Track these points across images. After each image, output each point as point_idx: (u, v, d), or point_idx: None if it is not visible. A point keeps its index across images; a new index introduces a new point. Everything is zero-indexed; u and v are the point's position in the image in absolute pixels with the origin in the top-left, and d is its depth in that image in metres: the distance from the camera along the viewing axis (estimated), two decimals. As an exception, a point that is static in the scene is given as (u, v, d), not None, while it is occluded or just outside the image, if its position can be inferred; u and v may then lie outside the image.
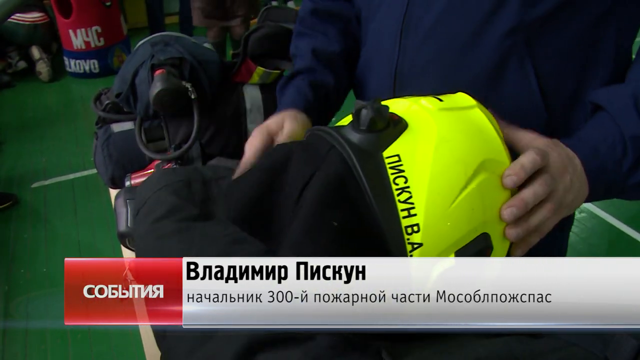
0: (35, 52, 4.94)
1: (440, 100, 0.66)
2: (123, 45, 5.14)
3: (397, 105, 0.67)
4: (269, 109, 1.33)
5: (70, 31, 4.78)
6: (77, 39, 4.82)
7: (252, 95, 1.33)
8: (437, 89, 0.86)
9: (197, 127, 1.20)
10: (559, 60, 0.83)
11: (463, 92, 0.77)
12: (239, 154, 1.26)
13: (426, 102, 0.66)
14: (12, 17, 4.60)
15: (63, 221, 3.13)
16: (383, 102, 0.65)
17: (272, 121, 0.90)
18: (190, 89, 1.20)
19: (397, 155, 0.60)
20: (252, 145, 0.88)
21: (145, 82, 1.21)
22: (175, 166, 1.20)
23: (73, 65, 4.97)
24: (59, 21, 4.87)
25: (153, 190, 0.89)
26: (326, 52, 1.01)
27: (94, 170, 3.46)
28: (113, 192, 1.35)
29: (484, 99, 0.84)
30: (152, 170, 1.24)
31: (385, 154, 0.60)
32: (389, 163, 0.59)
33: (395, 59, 0.91)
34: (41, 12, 4.86)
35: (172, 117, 1.27)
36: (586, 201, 0.75)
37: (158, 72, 1.19)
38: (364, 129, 0.61)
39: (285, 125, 0.89)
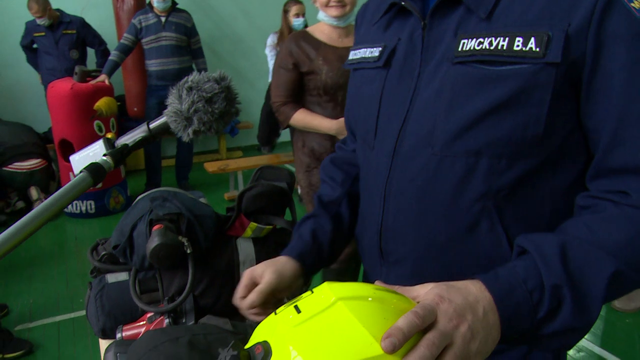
0: (34, 192, 5.08)
1: (299, 311, 0.67)
2: (120, 188, 5.28)
3: (263, 329, 0.70)
4: (263, 261, 1.38)
5: (71, 174, 4.91)
6: None
7: (245, 248, 1.38)
8: (416, 248, 0.96)
9: (191, 281, 1.23)
10: (526, 222, 0.90)
11: (428, 253, 0.87)
12: (231, 306, 1.32)
13: (285, 320, 0.67)
14: (9, 166, 4.82)
15: None
16: (260, 325, 0.70)
17: (259, 268, 1.06)
18: (186, 243, 1.25)
19: None
20: (240, 287, 1.05)
21: (143, 236, 1.26)
22: (168, 320, 1.23)
23: (70, 205, 5.07)
24: (61, 164, 5.04)
25: (143, 351, 0.93)
26: (328, 198, 1.20)
27: (82, 312, 3.47)
28: (103, 343, 1.36)
29: (459, 257, 0.92)
30: (144, 322, 1.26)
31: None
32: None
33: (380, 220, 1.01)
34: (39, 159, 5.05)
35: (167, 269, 1.31)
36: (501, 343, 0.73)
37: (156, 227, 1.24)
38: None
39: (265, 276, 1.05)
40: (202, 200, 1.44)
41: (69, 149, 4.93)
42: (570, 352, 2.98)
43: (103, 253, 1.38)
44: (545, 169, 0.87)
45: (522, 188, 0.88)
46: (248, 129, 7.33)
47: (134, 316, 1.31)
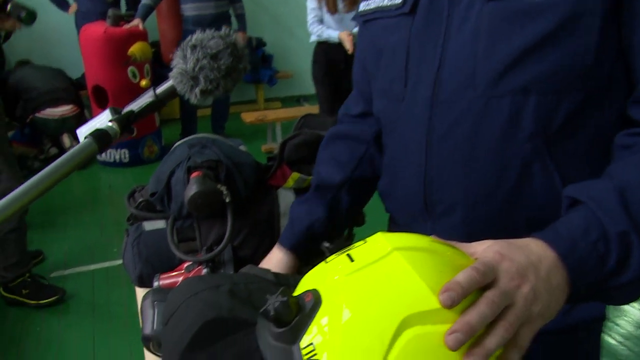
0: (66, 139, 5.19)
1: (352, 259, 0.66)
2: (154, 136, 5.36)
3: (312, 278, 0.69)
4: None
5: (100, 123, 5.03)
6: None
7: (286, 199, 1.39)
8: (466, 195, 0.96)
9: (230, 230, 1.25)
10: (577, 163, 0.90)
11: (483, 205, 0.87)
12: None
13: (336, 269, 0.67)
14: (42, 112, 4.90)
15: (78, 316, 3.15)
16: (309, 273, 0.70)
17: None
18: (225, 192, 1.26)
19: (312, 344, 0.62)
20: None
21: (181, 183, 1.28)
22: (205, 269, 1.25)
23: (103, 154, 5.18)
24: (95, 111, 5.15)
25: (183, 298, 0.95)
26: (328, 181, 1.20)
27: (116, 262, 3.59)
28: (140, 291, 1.40)
29: (512, 201, 0.92)
30: (182, 271, 1.29)
31: (302, 344, 0.63)
32: (306, 354, 0.62)
33: (423, 170, 1.00)
34: (70, 105, 5.12)
35: (205, 218, 1.33)
36: (567, 303, 0.71)
37: (194, 174, 1.26)
38: (275, 326, 0.64)
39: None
40: (242, 148, 1.45)
41: (103, 95, 5.01)
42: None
43: (140, 200, 1.41)
44: (593, 103, 0.87)
45: (571, 125, 0.88)
46: (287, 79, 7.30)
47: (171, 265, 1.34)
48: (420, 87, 0.98)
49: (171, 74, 0.95)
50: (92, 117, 4.98)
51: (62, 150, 5.21)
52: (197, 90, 0.93)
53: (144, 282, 1.37)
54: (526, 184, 0.91)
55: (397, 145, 1.08)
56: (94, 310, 3.19)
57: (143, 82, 4.92)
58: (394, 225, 1.17)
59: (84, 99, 5.44)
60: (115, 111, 0.94)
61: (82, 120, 5.34)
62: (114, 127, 0.92)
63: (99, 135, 0.89)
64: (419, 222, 1.06)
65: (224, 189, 1.27)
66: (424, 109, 0.97)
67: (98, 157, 5.26)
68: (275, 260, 1.20)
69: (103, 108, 4.98)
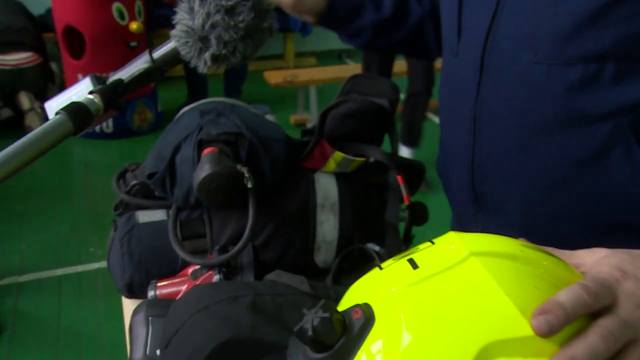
0: (24, 99, 5.23)
1: (415, 266, 0.67)
2: (148, 100, 5.41)
3: (362, 288, 0.71)
4: (347, 207, 1.42)
5: (80, 76, 5.02)
6: None
7: (325, 186, 1.42)
8: (522, 188, 1.00)
9: (252, 225, 1.27)
10: None
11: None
12: (303, 262, 1.36)
13: (394, 278, 0.67)
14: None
15: (38, 342, 3.13)
16: (358, 283, 0.71)
17: None
18: (246, 174, 1.28)
19: None
20: None
21: (189, 162, 1.31)
22: (218, 276, 1.27)
23: (79, 120, 5.28)
24: (66, 62, 5.19)
25: (190, 312, 0.98)
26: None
27: (94, 265, 3.63)
28: (128, 303, 1.44)
29: (584, 198, 0.95)
30: (186, 277, 1.32)
31: None
32: None
33: (471, 148, 1.06)
34: (29, 52, 5.20)
35: (219, 209, 1.37)
36: None
37: (207, 150, 1.27)
38: (313, 350, 0.65)
39: None
40: (270, 117, 1.47)
41: (77, 41, 5.04)
42: None
43: (133, 183, 1.44)
44: None
45: None
46: (325, 26, 7.30)
47: (171, 269, 1.38)
48: (471, 43, 1.02)
49: (173, 32, 0.95)
50: (61, 70, 4.98)
51: (18, 113, 5.26)
52: (206, 55, 0.93)
53: (135, 291, 1.40)
54: (603, 176, 0.93)
55: (450, 116, 1.15)
56: (58, 332, 3.21)
57: (133, 26, 4.98)
58: (455, 221, 1.22)
59: (49, 45, 5.48)
60: (98, 80, 0.94)
61: (45, 73, 5.40)
62: (96, 100, 0.91)
63: (76, 111, 0.88)
64: (470, 216, 1.12)
65: (245, 170, 1.29)
66: (473, 70, 1.02)
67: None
68: None
69: (77, 58, 5.04)
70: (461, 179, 1.11)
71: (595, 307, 0.63)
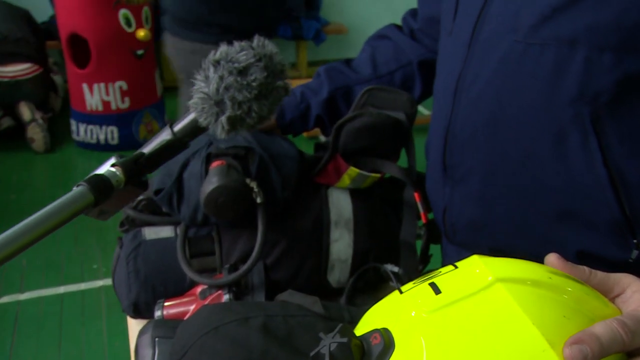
0: (25, 110, 5.21)
1: (437, 291, 0.67)
2: (155, 110, 5.41)
3: (381, 312, 0.71)
4: (362, 224, 1.43)
5: (85, 86, 5.09)
6: (93, 96, 5.11)
7: (339, 202, 1.43)
8: (487, 161, 1.09)
9: (261, 242, 1.29)
10: (632, 145, 0.95)
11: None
12: (317, 282, 1.37)
13: (415, 302, 0.68)
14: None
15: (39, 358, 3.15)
16: (376, 306, 0.72)
17: None
18: (256, 189, 1.30)
19: None
20: None
21: (197, 177, 1.32)
22: (228, 296, 1.29)
23: (82, 132, 5.28)
24: (70, 71, 5.18)
25: (198, 334, 0.99)
26: (352, 70, 1.56)
27: (98, 283, 3.63)
28: (133, 324, 1.44)
29: (539, 176, 1.02)
30: (194, 297, 1.34)
31: None
32: None
33: (448, 119, 1.15)
34: (28, 62, 5.18)
35: (228, 227, 1.38)
36: None
37: (215, 163, 1.29)
38: None
39: None
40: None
41: (82, 49, 5.03)
42: None
43: (140, 198, 1.45)
44: None
45: (629, 95, 0.93)
46: (339, 35, 7.35)
47: (179, 288, 1.39)
48: (464, 22, 1.10)
49: (191, 102, 0.97)
50: (63, 78, 4.93)
51: (18, 123, 5.26)
52: (223, 118, 0.94)
53: (141, 311, 1.41)
54: (558, 159, 0.99)
55: (438, 91, 1.23)
56: (60, 353, 3.21)
57: (141, 33, 4.97)
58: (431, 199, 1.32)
59: (53, 53, 5.48)
60: (120, 155, 0.97)
61: (46, 83, 5.37)
62: (117, 173, 0.93)
63: (96, 183, 0.90)
64: (439, 186, 1.21)
65: (254, 185, 1.30)
66: (462, 48, 1.10)
67: (75, 137, 5.35)
68: None
69: (81, 68, 5.02)
70: (436, 150, 1.20)
71: (630, 347, 0.63)
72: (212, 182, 1.25)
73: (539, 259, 0.75)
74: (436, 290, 0.67)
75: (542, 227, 1.06)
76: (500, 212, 1.11)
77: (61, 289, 3.69)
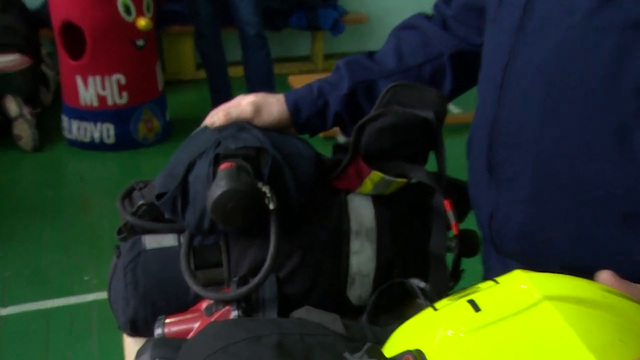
0: (12, 105, 5.22)
1: (477, 308, 0.67)
2: (155, 106, 5.41)
3: (412, 332, 0.71)
4: (386, 234, 1.43)
5: (79, 78, 5.10)
6: (88, 90, 5.12)
7: (361, 210, 1.42)
8: (539, 161, 1.07)
9: (274, 253, 1.28)
10: None
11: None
12: (335, 298, 1.38)
13: (451, 321, 0.67)
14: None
15: None
16: (407, 325, 0.71)
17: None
18: (268, 194, 1.29)
19: None
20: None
21: (204, 180, 1.32)
22: (237, 312, 1.27)
23: (75, 129, 5.29)
24: (63, 63, 5.20)
25: (204, 354, 0.98)
26: (374, 62, 1.56)
27: (90, 296, 3.63)
28: (130, 343, 1.45)
29: (600, 177, 1.01)
30: (199, 312, 1.33)
31: None
32: None
33: (493, 114, 1.14)
34: (16, 53, 5.21)
35: (237, 235, 1.38)
36: None
37: (224, 165, 1.29)
38: None
39: (242, 103, 1.45)
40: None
41: (77, 38, 5.03)
42: None
43: (140, 203, 1.44)
44: None
45: None
46: (359, 25, 7.36)
47: (182, 302, 1.39)
48: (510, 8, 1.10)
49: None
50: (55, 71, 4.95)
51: (5, 118, 5.27)
52: None
53: (139, 328, 1.41)
54: (623, 155, 0.98)
55: (482, 83, 1.24)
56: None
57: (141, 22, 4.97)
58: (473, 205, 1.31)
59: (45, 43, 5.50)
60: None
61: (36, 76, 5.39)
62: None
63: None
64: (484, 188, 1.20)
65: (267, 189, 1.30)
66: (508, 36, 1.10)
67: (66, 134, 5.35)
68: (271, 100, 1.47)
69: (75, 59, 5.03)
70: (480, 148, 1.19)
71: None
72: (220, 186, 1.25)
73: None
74: (475, 307, 0.67)
75: (604, 233, 1.03)
76: (555, 217, 1.10)
77: (48, 304, 3.68)
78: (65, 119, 5.35)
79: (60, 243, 4.20)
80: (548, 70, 1.04)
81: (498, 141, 1.15)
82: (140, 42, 5.13)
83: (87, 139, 5.33)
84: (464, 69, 1.51)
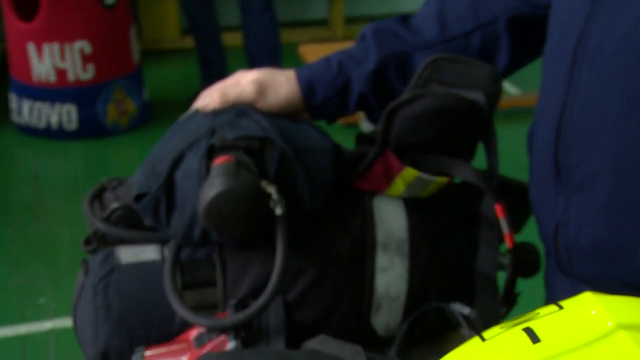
0: None
1: (535, 338, 0.68)
2: (129, 83, 5.42)
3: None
4: (421, 248, 1.44)
5: (31, 46, 5.09)
6: (43, 62, 5.11)
7: (389, 217, 1.45)
8: (618, 161, 1.09)
9: (280, 271, 1.29)
10: None
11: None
12: (355, 326, 1.42)
13: (504, 353, 0.69)
14: None
15: None
16: (449, 358, 0.74)
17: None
18: (274, 196, 1.31)
19: None
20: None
21: (195, 178, 1.33)
22: (234, 342, 1.29)
23: (27, 111, 5.29)
24: (10, 26, 5.21)
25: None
26: (397, 43, 1.55)
27: (44, 325, 3.66)
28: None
29: None
30: (187, 343, 1.35)
31: None
32: None
33: (562, 101, 1.15)
34: None
35: (235, 247, 1.40)
36: None
37: (220, 160, 1.30)
38: None
39: (241, 81, 1.46)
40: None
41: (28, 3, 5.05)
42: None
43: (114, 207, 1.46)
44: None
45: None
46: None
47: (165, 331, 1.41)
48: None
49: None
50: (1, 37, 5.05)
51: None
52: None
53: (111, 361, 1.43)
54: None
55: (547, 55, 1.25)
56: None
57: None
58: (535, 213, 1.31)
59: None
60: None
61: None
62: None
63: None
64: (549, 194, 1.21)
65: (272, 190, 1.31)
66: (581, 7, 1.11)
67: (16, 118, 5.35)
68: (280, 78, 1.47)
69: (26, 20, 5.04)
70: (545, 143, 1.19)
71: None
72: (214, 186, 1.26)
73: None
74: (534, 338, 0.68)
75: None
76: (636, 226, 1.10)
77: (-4, 333, 3.70)
78: (14, 99, 5.35)
79: (7, 257, 4.21)
80: (634, 45, 1.03)
81: (568, 135, 1.14)
82: (109, 1, 5.11)
83: (42, 125, 5.32)
84: (524, 38, 1.49)
